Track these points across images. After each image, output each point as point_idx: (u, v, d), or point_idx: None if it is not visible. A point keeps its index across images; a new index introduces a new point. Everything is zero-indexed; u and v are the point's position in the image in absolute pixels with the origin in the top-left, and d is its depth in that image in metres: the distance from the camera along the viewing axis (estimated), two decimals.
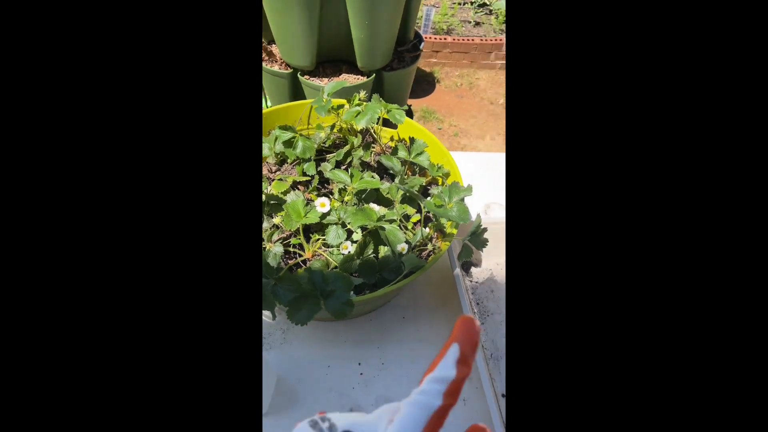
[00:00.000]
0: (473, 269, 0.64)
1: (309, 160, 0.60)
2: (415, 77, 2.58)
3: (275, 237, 0.53)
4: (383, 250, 0.51)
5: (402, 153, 0.61)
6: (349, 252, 0.50)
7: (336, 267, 0.50)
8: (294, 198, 0.54)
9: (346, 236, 0.51)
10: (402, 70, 1.23)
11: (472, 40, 2.59)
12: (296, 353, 0.54)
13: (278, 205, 0.55)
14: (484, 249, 0.52)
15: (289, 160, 0.63)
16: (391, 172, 0.61)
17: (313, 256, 0.53)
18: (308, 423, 0.19)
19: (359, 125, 0.57)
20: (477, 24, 2.79)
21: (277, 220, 0.53)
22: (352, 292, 0.47)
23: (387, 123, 0.63)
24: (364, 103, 0.61)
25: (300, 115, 0.66)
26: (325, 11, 1.01)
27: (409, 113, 2.28)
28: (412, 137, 0.64)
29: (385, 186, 0.57)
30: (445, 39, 2.57)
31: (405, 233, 0.53)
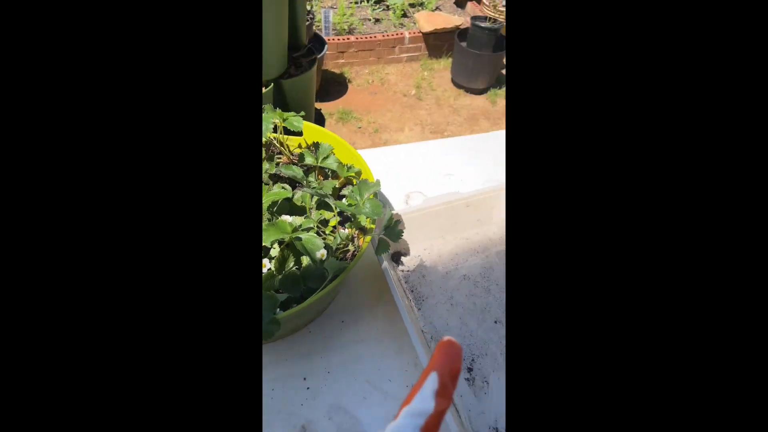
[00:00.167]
0: (402, 258, 0.65)
1: None
2: (326, 79, 2.58)
3: None
4: (305, 261, 0.50)
5: (309, 159, 0.60)
6: (269, 269, 0.49)
7: None
8: None
9: (262, 254, 0.49)
10: (301, 76, 1.22)
11: (375, 36, 2.64)
12: None
13: None
14: (411, 237, 0.52)
15: None
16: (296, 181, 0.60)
17: None
18: None
19: None
20: (377, 21, 2.84)
21: None
22: (279, 309, 0.45)
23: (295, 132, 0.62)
24: None
25: None
26: None
27: (319, 117, 2.26)
28: (316, 142, 0.64)
29: (298, 195, 0.56)
30: (348, 39, 2.59)
31: (324, 238, 0.53)
